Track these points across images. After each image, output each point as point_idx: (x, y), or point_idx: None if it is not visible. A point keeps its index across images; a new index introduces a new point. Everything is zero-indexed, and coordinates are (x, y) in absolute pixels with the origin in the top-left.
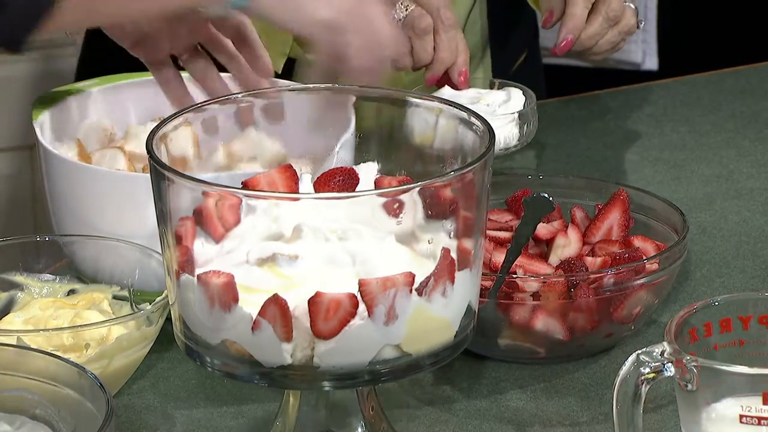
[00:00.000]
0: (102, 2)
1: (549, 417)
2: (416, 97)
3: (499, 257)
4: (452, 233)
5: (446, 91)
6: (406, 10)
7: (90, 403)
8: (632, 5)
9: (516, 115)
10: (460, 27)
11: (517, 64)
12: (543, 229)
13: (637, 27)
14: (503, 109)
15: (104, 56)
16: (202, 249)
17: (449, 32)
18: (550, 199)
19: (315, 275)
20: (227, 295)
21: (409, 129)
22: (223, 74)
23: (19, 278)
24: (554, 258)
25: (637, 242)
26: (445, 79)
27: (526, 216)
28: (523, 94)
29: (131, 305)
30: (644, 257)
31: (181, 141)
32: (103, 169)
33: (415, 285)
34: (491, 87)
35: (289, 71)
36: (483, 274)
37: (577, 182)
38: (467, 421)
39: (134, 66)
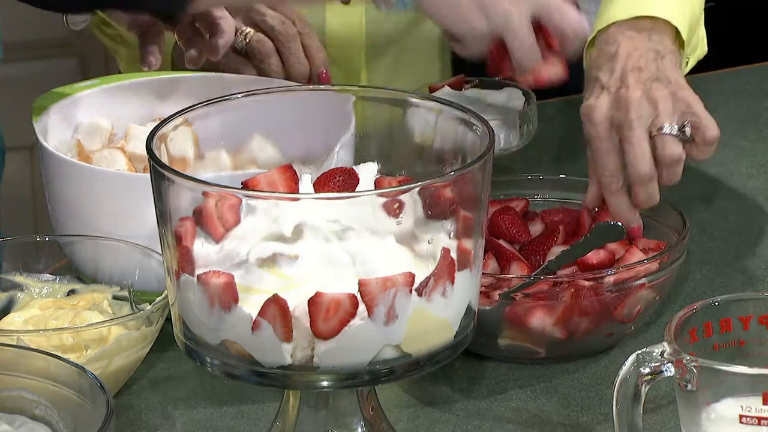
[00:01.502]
0: None
1: (549, 417)
2: (416, 97)
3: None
4: (452, 233)
5: (446, 91)
6: (245, 37)
7: (90, 403)
8: (671, 130)
9: (516, 115)
10: (310, 32)
11: None
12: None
13: (690, 137)
14: (503, 109)
15: None
16: (202, 249)
17: (293, 44)
18: (621, 225)
19: (315, 275)
20: (227, 295)
21: (409, 129)
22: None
23: (19, 278)
24: None
25: (637, 242)
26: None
27: (592, 239)
28: (523, 94)
29: (131, 305)
30: (644, 257)
31: (181, 141)
32: (103, 169)
33: (415, 285)
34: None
35: None
36: (483, 275)
37: (577, 182)
38: (467, 421)
39: None
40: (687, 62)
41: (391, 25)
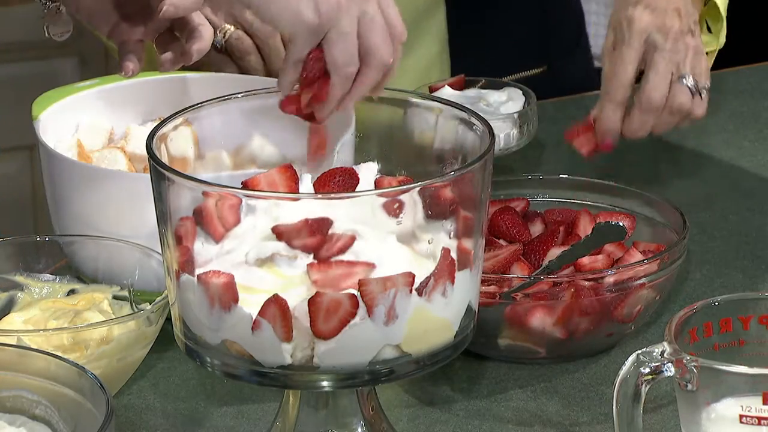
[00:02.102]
0: None
1: (549, 417)
2: (416, 97)
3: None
4: (452, 233)
5: (446, 91)
6: (224, 35)
7: (90, 403)
8: (689, 81)
9: (516, 115)
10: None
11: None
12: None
13: (699, 95)
14: (503, 109)
15: None
16: (202, 249)
17: (273, 40)
18: (623, 225)
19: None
20: (227, 295)
21: (409, 129)
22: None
23: (19, 278)
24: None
25: (638, 242)
26: None
27: (593, 239)
28: (523, 94)
29: (131, 305)
30: (644, 257)
31: (181, 141)
32: (103, 169)
33: (415, 285)
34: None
35: None
36: (483, 276)
37: (577, 182)
38: (467, 421)
39: None
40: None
41: None
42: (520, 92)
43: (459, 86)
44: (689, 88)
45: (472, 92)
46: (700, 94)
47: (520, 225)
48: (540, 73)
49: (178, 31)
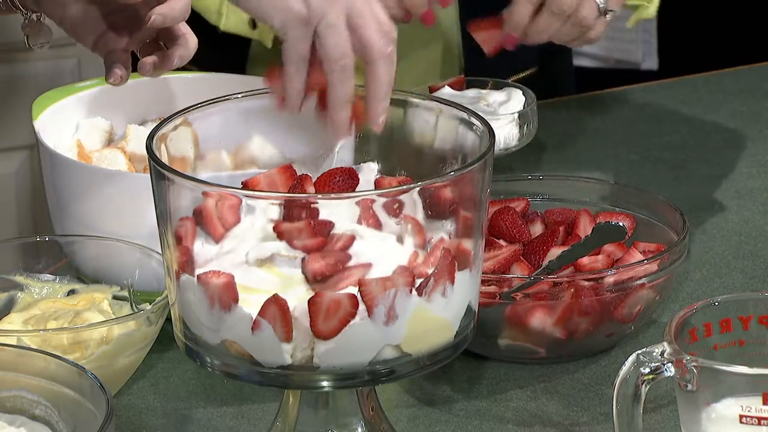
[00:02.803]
0: None
1: (549, 417)
2: (416, 98)
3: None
4: (452, 233)
5: (446, 91)
6: None
7: (90, 403)
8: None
9: (516, 115)
10: None
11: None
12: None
13: (603, 16)
14: (503, 109)
15: None
16: (202, 249)
17: None
18: (623, 225)
19: None
20: (227, 295)
21: (409, 129)
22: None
23: (19, 278)
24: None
25: (638, 242)
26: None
27: (593, 239)
28: (523, 94)
29: (131, 305)
30: (644, 257)
31: (181, 141)
32: (103, 169)
33: (415, 285)
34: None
35: None
36: (483, 275)
37: (577, 182)
38: (467, 421)
39: None
40: None
41: None
42: (520, 92)
43: (459, 86)
44: (598, 5)
45: (472, 92)
46: (605, 15)
47: (520, 225)
48: (532, 74)
49: (163, 40)
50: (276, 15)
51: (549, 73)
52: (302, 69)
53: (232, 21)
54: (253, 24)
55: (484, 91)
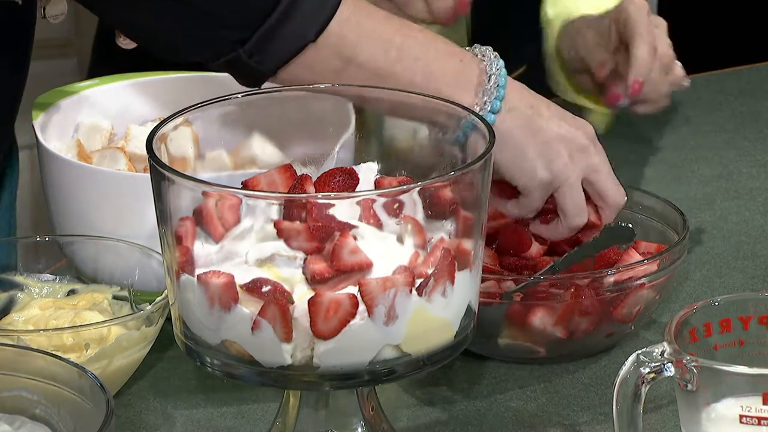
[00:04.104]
0: (363, 47)
1: (549, 417)
2: (417, 97)
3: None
4: (452, 233)
5: None
6: None
7: (90, 403)
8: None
9: None
10: None
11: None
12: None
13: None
14: None
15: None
16: (202, 249)
17: None
18: (631, 227)
19: None
20: (227, 295)
21: (410, 129)
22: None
23: (19, 278)
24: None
25: (638, 242)
26: None
27: (601, 241)
28: None
29: (131, 305)
30: (644, 257)
31: (181, 141)
32: (103, 169)
33: (415, 285)
34: None
35: None
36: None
37: None
38: (467, 421)
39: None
40: None
41: None
42: None
43: None
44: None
45: None
46: None
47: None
48: (522, 73)
49: None
50: (522, 178)
51: (538, 71)
52: (532, 215)
53: None
54: None
55: None
